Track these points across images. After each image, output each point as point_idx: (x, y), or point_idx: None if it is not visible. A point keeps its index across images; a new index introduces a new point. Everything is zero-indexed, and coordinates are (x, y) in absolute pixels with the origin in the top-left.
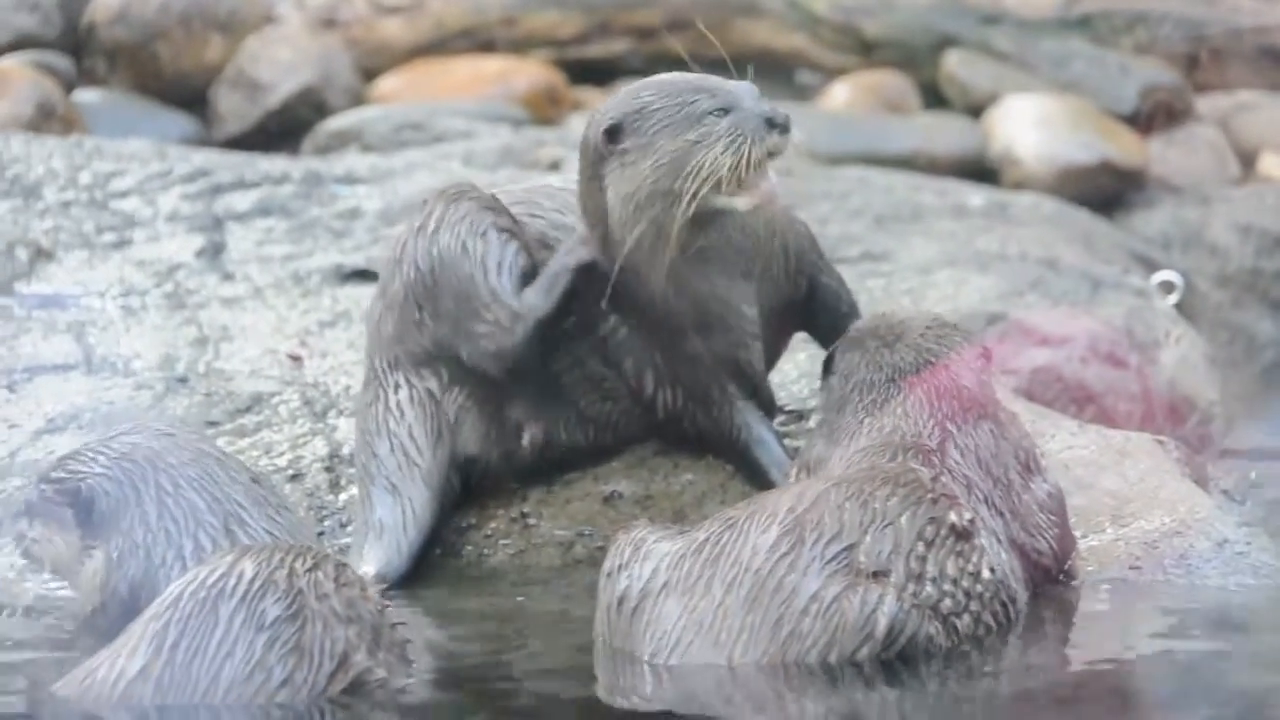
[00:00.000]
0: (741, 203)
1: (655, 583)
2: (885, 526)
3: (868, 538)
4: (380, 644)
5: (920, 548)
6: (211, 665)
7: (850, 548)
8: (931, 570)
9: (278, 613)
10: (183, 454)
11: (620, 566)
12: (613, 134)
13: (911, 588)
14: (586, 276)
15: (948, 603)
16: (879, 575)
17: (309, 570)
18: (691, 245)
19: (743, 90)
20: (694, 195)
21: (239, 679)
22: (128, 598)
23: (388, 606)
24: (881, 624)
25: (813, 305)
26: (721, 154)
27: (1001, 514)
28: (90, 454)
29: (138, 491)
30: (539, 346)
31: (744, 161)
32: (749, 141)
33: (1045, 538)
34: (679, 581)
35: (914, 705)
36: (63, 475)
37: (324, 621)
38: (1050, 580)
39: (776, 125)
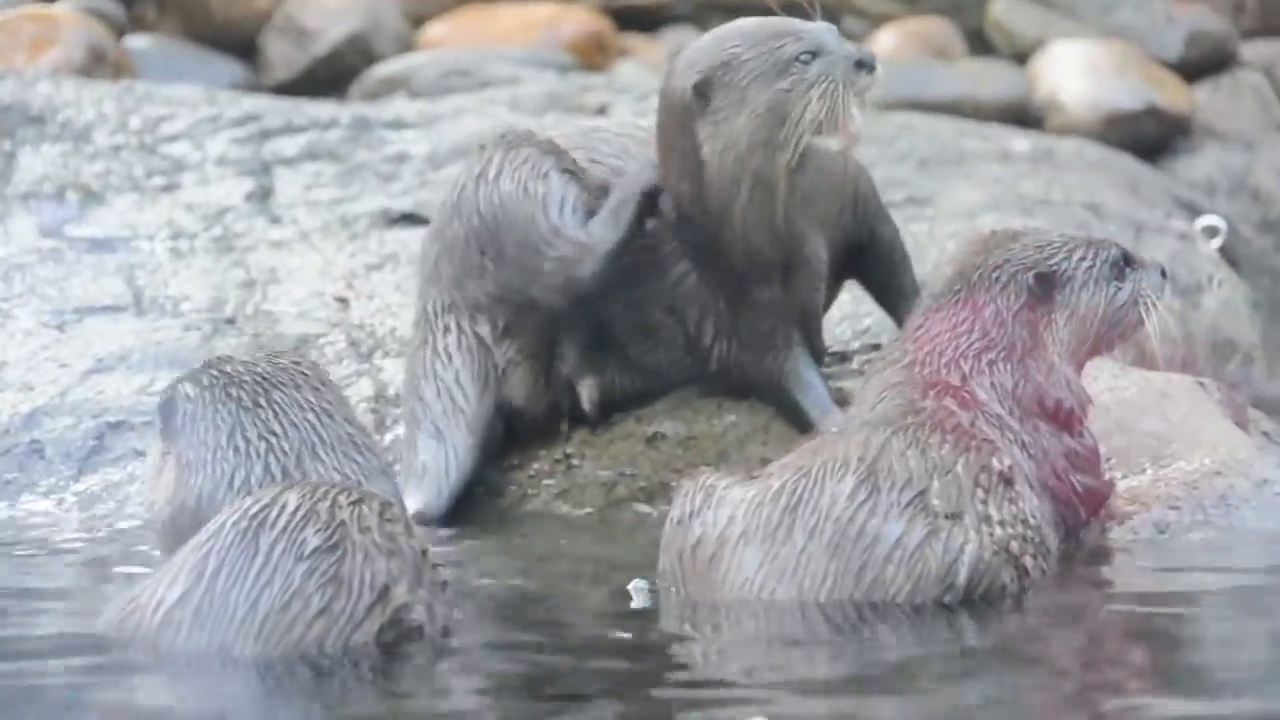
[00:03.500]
0: (835, 143)
1: (733, 530)
2: (946, 473)
3: (935, 483)
4: (421, 582)
5: (980, 493)
6: (250, 593)
7: (922, 493)
8: (995, 514)
9: (317, 543)
10: (277, 376)
11: (692, 513)
12: (702, 90)
13: (985, 530)
14: (652, 204)
15: (1014, 545)
16: (953, 517)
17: (353, 504)
18: (793, 191)
19: (824, 32)
20: (798, 143)
21: (276, 607)
22: (195, 511)
23: (428, 549)
24: (963, 572)
25: (868, 253)
26: (818, 100)
27: (1033, 457)
28: (198, 367)
29: (216, 404)
30: (608, 277)
31: (839, 105)
32: (840, 85)
33: (1073, 481)
34: (759, 529)
35: (980, 650)
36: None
37: (365, 553)
38: (1079, 526)
39: (865, 66)
